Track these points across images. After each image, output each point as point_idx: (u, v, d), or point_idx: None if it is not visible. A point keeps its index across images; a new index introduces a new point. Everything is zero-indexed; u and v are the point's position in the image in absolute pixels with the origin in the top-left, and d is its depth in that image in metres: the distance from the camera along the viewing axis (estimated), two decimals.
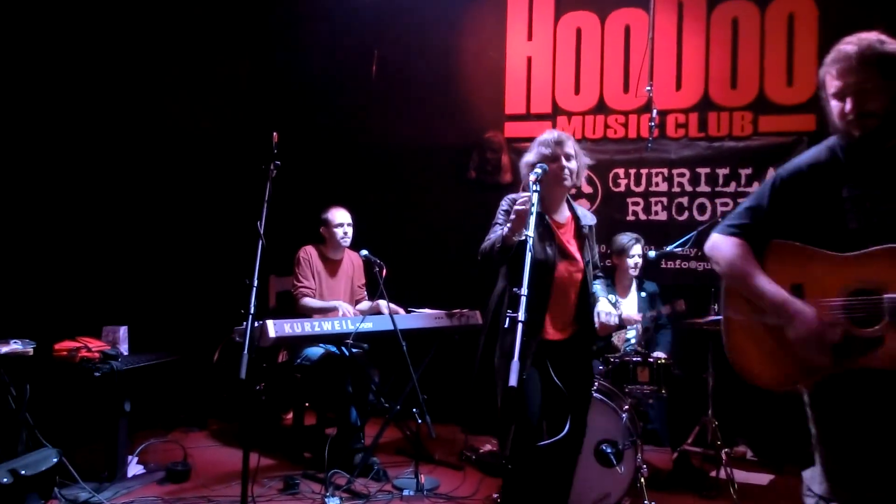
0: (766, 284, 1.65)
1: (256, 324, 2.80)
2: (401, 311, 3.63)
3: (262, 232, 2.59)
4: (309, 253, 3.78)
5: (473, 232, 2.76)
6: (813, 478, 1.62)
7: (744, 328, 1.72)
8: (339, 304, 3.62)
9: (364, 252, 3.55)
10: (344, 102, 4.89)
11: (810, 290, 1.64)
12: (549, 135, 2.42)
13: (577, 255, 2.42)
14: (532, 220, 2.04)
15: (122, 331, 3.48)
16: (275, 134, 2.74)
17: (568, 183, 2.39)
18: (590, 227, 2.49)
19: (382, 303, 3.53)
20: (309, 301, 3.68)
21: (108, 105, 4.41)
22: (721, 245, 1.75)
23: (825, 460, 1.60)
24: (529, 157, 2.44)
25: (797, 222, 1.66)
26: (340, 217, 3.80)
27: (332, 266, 3.85)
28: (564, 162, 2.37)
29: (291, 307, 3.73)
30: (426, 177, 4.76)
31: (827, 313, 1.60)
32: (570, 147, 2.40)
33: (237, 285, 2.64)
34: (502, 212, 2.49)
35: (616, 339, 3.72)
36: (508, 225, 2.25)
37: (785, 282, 1.65)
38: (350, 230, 3.79)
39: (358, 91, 4.85)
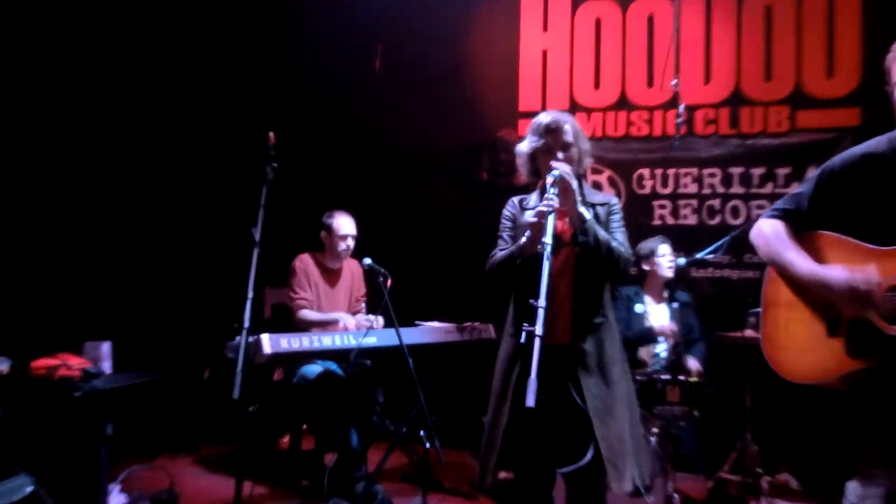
0: (798, 258, 1.75)
1: (251, 339, 2.79)
2: (371, 322, 3.58)
3: (258, 239, 2.58)
4: (305, 262, 3.78)
5: (486, 238, 2.74)
6: (852, 489, 1.65)
7: (780, 318, 1.79)
8: (341, 316, 3.62)
9: (367, 260, 3.49)
10: (345, 100, 4.90)
11: None
12: (543, 119, 2.35)
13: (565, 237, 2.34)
14: (550, 226, 2.03)
15: (105, 347, 3.46)
16: (271, 134, 2.74)
17: (573, 183, 2.30)
18: (601, 204, 2.39)
19: (361, 316, 3.54)
20: (307, 313, 3.68)
21: (87, 103, 4.44)
22: (762, 226, 1.87)
23: (860, 459, 1.63)
24: (523, 145, 2.39)
25: (845, 214, 1.71)
26: (346, 227, 3.78)
27: (331, 276, 3.85)
28: (560, 154, 2.31)
29: (287, 321, 3.73)
30: (434, 179, 4.76)
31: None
32: (568, 134, 2.33)
33: (230, 297, 2.65)
34: (506, 220, 2.47)
35: (643, 353, 3.68)
36: (527, 234, 2.23)
37: None
38: (353, 244, 3.80)
39: (361, 88, 4.86)
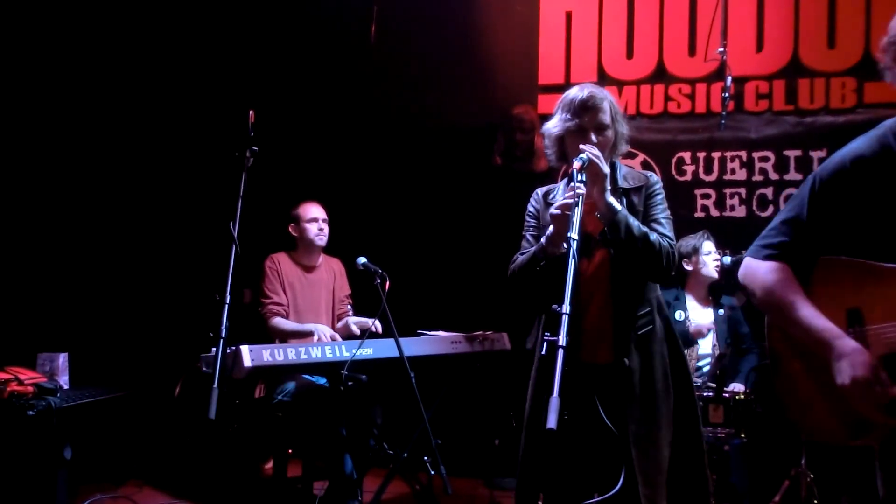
0: (812, 317, 1.63)
1: (228, 350, 2.83)
2: (367, 323, 3.63)
3: (236, 235, 2.60)
4: (277, 261, 3.81)
5: (499, 233, 2.76)
6: None
7: (795, 370, 1.70)
8: (316, 328, 3.63)
9: (362, 260, 3.56)
10: (336, 73, 4.88)
11: (870, 314, 1.62)
12: (576, 94, 2.32)
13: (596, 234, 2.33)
14: (577, 219, 2.01)
15: (62, 359, 3.51)
16: (251, 112, 2.76)
17: (603, 168, 2.28)
18: (635, 189, 2.38)
19: (352, 318, 3.55)
20: (281, 322, 3.71)
21: (38, 81, 4.46)
22: (755, 271, 1.73)
23: None
24: (551, 124, 2.38)
25: (847, 232, 1.64)
26: (312, 210, 3.85)
27: (307, 275, 3.88)
28: (594, 137, 2.29)
29: (261, 328, 3.77)
30: (439, 165, 4.75)
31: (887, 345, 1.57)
32: (605, 113, 2.31)
33: (204, 302, 2.67)
34: (530, 217, 2.48)
35: None
36: (550, 230, 2.24)
37: (839, 307, 1.64)
38: (325, 227, 3.84)
39: (354, 58, 4.85)
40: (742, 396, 3.35)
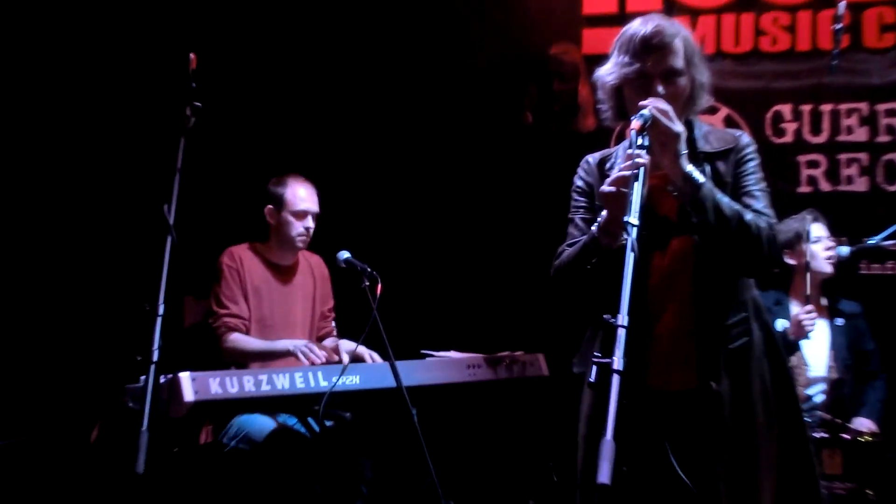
0: None
1: (163, 379, 2.80)
2: (373, 358, 3.61)
3: (172, 222, 2.59)
4: (237, 258, 3.79)
5: (534, 218, 2.71)
6: None
7: None
8: (296, 345, 3.59)
9: (344, 255, 3.54)
10: (312, 6, 4.88)
11: None
12: (637, 28, 2.33)
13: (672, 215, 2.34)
14: (637, 197, 2.00)
15: None
16: (192, 56, 2.75)
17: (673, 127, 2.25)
18: (720, 153, 2.38)
19: (346, 343, 3.55)
20: (240, 340, 3.68)
21: None
22: None
23: None
24: (605, 70, 2.40)
25: None
26: (304, 200, 3.81)
27: (280, 279, 3.88)
28: (661, 87, 2.29)
29: (215, 349, 3.73)
30: (451, 127, 4.75)
31: None
32: (676, 54, 2.31)
33: (130, 314, 2.74)
34: (578, 195, 2.51)
35: None
36: (603, 215, 2.22)
37: None
38: (313, 226, 3.83)
39: None
40: (868, 438, 3.35)
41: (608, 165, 2.45)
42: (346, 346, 3.70)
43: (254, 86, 4.75)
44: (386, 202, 4.76)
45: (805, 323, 3.53)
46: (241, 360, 3.62)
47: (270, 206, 3.80)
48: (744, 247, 2.24)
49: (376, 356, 3.56)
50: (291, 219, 3.77)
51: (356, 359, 3.55)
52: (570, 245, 2.41)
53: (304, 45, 4.87)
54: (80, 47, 4.62)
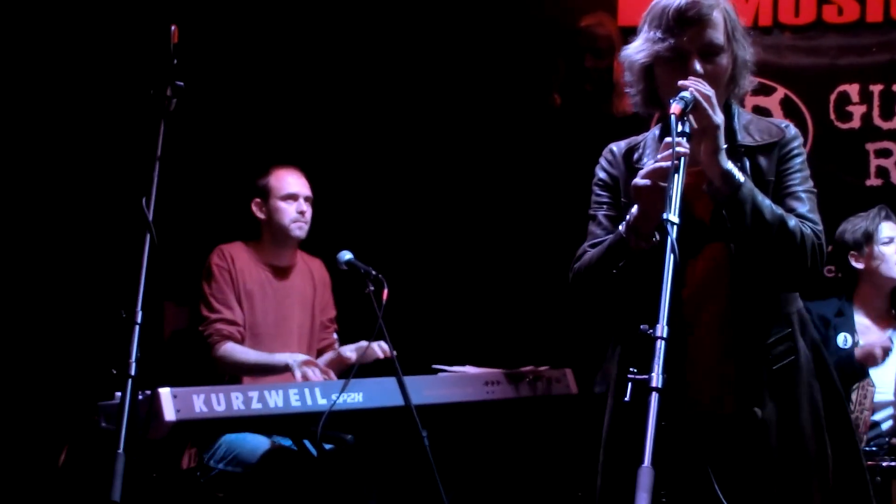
0: None
1: (141, 395, 2.80)
2: (383, 349, 3.58)
3: (151, 218, 2.60)
4: (229, 257, 3.82)
5: (559, 214, 2.74)
6: None
7: None
8: (295, 360, 3.63)
9: (346, 256, 3.57)
10: None
11: None
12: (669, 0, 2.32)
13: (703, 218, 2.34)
14: (676, 193, 2.00)
15: None
16: (173, 28, 2.74)
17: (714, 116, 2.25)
18: (762, 147, 2.38)
19: (378, 347, 3.54)
20: (235, 351, 3.71)
21: None
22: None
23: None
24: (633, 48, 2.40)
25: None
26: (292, 183, 3.86)
27: (276, 281, 3.91)
28: (699, 65, 2.29)
29: (204, 362, 3.77)
30: (467, 112, 4.75)
31: None
32: (715, 28, 2.32)
33: (104, 321, 2.76)
34: (600, 188, 2.51)
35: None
36: (634, 211, 2.23)
37: None
38: (308, 211, 3.87)
39: None
40: None
41: (636, 156, 2.45)
42: (347, 347, 3.71)
43: (246, 62, 4.76)
44: (393, 196, 4.76)
45: (878, 354, 3.56)
46: (236, 372, 3.67)
47: (257, 199, 3.86)
48: (785, 258, 2.25)
49: (387, 348, 3.49)
50: (281, 204, 3.82)
51: (366, 359, 3.56)
52: (593, 245, 2.41)
53: (306, 13, 4.85)
54: (40, 12, 4.61)
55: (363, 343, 3.63)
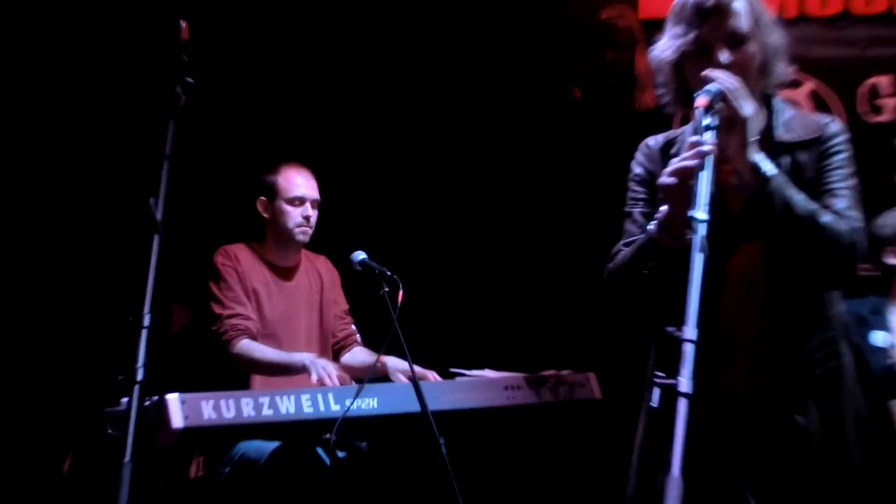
0: None
1: (148, 401, 2.80)
2: (431, 375, 3.64)
3: (160, 218, 2.60)
4: (234, 256, 3.82)
5: (583, 212, 2.69)
6: None
7: None
8: (314, 361, 3.60)
9: (360, 256, 3.57)
10: None
11: None
12: None
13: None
14: (705, 189, 2.00)
15: None
16: (183, 24, 2.74)
17: (741, 107, 2.23)
18: (802, 143, 2.36)
19: (394, 361, 3.55)
20: (252, 347, 3.70)
21: None
22: None
23: None
24: (661, 47, 2.41)
25: None
26: (299, 185, 3.85)
27: (280, 282, 3.92)
28: (724, 54, 2.28)
29: (215, 366, 3.75)
30: (485, 107, 4.77)
31: None
32: (739, 17, 2.31)
33: (110, 326, 2.77)
34: (636, 184, 2.53)
35: None
36: (662, 211, 2.20)
37: None
38: (314, 217, 3.87)
39: None
40: None
41: (673, 150, 2.44)
42: (395, 364, 3.68)
43: (256, 58, 4.78)
44: (409, 194, 4.78)
45: None
46: (251, 370, 3.66)
47: (263, 198, 3.85)
48: (817, 254, 2.23)
49: (434, 377, 3.54)
50: (287, 207, 3.81)
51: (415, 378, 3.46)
52: (627, 244, 2.40)
53: (322, 8, 4.89)
54: (50, 10, 4.63)
55: (408, 366, 3.57)
